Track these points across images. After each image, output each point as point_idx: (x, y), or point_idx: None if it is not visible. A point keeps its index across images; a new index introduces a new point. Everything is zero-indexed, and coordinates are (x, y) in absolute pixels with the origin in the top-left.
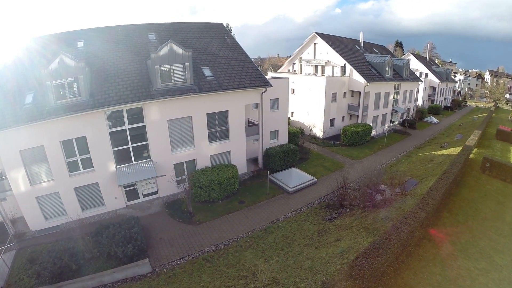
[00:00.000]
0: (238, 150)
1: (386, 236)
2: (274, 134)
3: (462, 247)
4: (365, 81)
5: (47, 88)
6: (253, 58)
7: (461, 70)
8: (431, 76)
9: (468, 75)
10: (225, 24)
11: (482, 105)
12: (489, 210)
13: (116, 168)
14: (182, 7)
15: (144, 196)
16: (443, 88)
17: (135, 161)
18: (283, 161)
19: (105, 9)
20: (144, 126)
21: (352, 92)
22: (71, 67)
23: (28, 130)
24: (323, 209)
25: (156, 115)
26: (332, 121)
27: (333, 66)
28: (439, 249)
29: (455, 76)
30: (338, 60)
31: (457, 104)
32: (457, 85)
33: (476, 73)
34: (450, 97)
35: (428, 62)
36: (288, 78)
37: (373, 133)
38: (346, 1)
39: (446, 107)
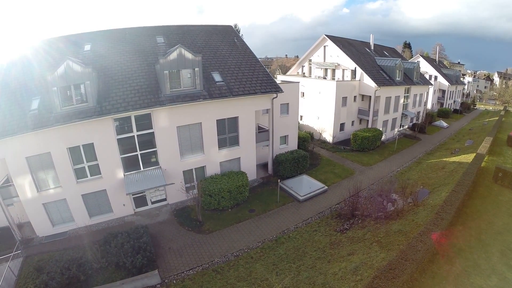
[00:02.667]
0: (248, 157)
1: (402, 256)
2: (284, 139)
3: (475, 263)
4: (376, 85)
5: (53, 94)
6: (260, 58)
7: (469, 72)
8: (441, 78)
9: (476, 77)
10: (233, 25)
11: (491, 108)
12: (501, 223)
13: (124, 175)
14: (189, 6)
15: (153, 203)
16: (453, 91)
17: (143, 168)
18: (293, 167)
19: (112, 8)
20: (152, 133)
21: (362, 96)
22: (77, 72)
23: (34, 137)
24: (334, 219)
25: (165, 122)
26: (342, 126)
27: (343, 70)
28: (452, 265)
29: (463, 78)
30: (348, 63)
31: (466, 107)
32: (465, 87)
33: (484, 75)
34: (459, 100)
35: (438, 64)
36: (298, 82)
37: (383, 137)
38: (354, 1)
39: (456, 110)
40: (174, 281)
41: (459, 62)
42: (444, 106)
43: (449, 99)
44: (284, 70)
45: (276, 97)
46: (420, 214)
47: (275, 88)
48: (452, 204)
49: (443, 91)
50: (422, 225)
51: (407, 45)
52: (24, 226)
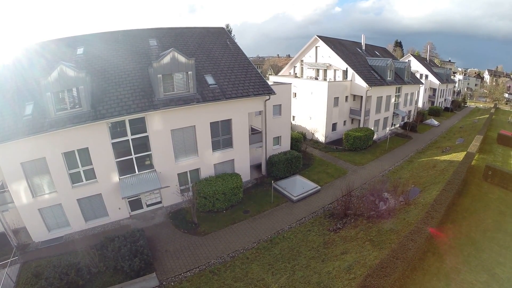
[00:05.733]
0: (242, 158)
1: (393, 255)
2: (277, 140)
3: (465, 260)
4: (367, 85)
5: (47, 99)
6: (252, 57)
7: (460, 70)
8: (431, 77)
9: (467, 75)
10: (225, 25)
11: (481, 105)
12: (491, 221)
13: (119, 179)
14: (180, 5)
15: (148, 206)
16: (443, 89)
17: (138, 172)
18: (286, 168)
19: (105, 7)
20: (147, 136)
21: (354, 96)
22: (71, 77)
23: (28, 142)
24: (327, 219)
25: (159, 125)
26: (334, 126)
27: (335, 70)
28: (442, 262)
29: (454, 76)
30: (340, 64)
31: (457, 105)
32: (456, 85)
33: (475, 73)
34: (450, 98)
35: (428, 63)
36: (290, 83)
37: (374, 136)
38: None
39: (446, 108)
40: (172, 283)
41: (449, 60)
42: (435, 105)
43: (440, 97)
44: (276, 70)
45: (269, 99)
46: (411, 212)
47: (268, 90)
48: (442, 203)
49: (434, 90)
50: (413, 224)
51: (399, 44)
52: (19, 231)
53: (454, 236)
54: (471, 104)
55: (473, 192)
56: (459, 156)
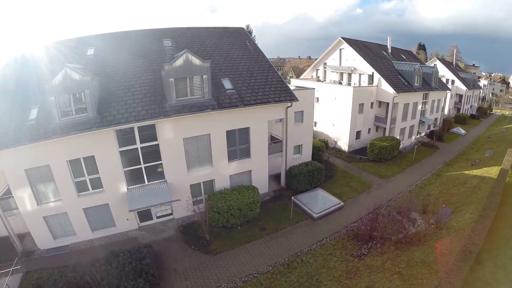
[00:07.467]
0: (260, 170)
1: None
2: (298, 148)
3: None
4: (394, 91)
5: (51, 104)
6: (273, 59)
7: (484, 74)
8: (458, 83)
9: (492, 80)
10: (245, 26)
11: (507, 112)
12: None
13: (127, 189)
14: (201, 5)
15: (158, 217)
16: (470, 96)
17: (148, 182)
18: (307, 181)
19: (123, 8)
20: (157, 145)
21: (380, 102)
22: (76, 81)
23: (32, 149)
24: (351, 241)
25: (171, 133)
26: (358, 134)
27: (360, 74)
28: None
29: (479, 80)
30: (365, 67)
31: (483, 112)
32: (481, 91)
33: (500, 78)
34: (476, 105)
35: (455, 68)
36: (313, 88)
37: (400, 146)
38: (368, 1)
39: (472, 116)
40: None
41: (473, 64)
42: (461, 111)
43: (466, 104)
44: (297, 72)
45: (291, 106)
46: (444, 240)
47: (290, 97)
48: (480, 233)
49: (460, 96)
50: (446, 255)
51: (422, 47)
52: (26, 236)
53: (489, 269)
54: (496, 111)
55: (507, 214)
56: (490, 171)
